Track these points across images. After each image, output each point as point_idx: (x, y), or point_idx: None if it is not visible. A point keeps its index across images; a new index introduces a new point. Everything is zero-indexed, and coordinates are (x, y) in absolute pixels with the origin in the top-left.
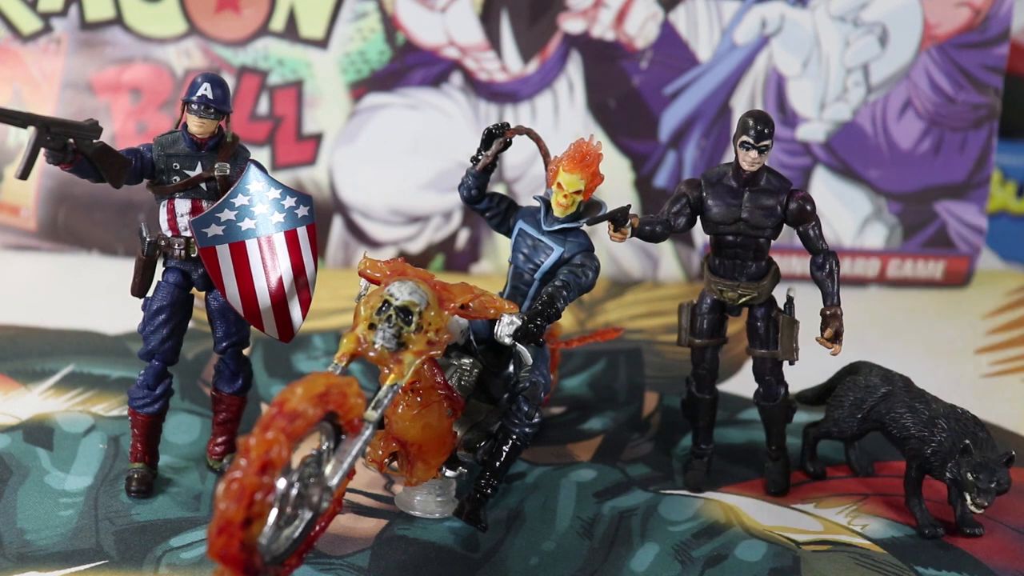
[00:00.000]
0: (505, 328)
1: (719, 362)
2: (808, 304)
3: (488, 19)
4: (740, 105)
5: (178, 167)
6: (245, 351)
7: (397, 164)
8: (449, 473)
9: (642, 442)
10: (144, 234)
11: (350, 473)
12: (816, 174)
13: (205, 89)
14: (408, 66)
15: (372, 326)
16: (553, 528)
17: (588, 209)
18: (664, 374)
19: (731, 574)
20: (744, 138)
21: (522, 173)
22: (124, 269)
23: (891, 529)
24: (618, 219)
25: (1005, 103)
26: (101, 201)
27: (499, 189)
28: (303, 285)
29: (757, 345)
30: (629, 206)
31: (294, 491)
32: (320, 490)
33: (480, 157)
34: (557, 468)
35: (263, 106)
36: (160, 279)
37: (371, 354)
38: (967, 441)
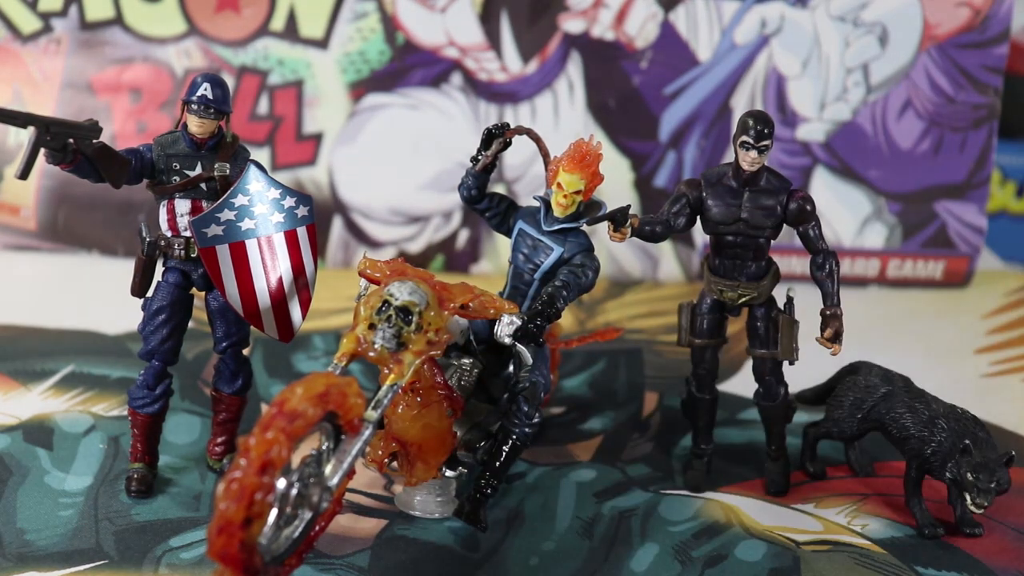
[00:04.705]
0: (505, 328)
1: (719, 362)
2: (808, 304)
3: (488, 19)
4: (740, 105)
5: (178, 167)
6: (245, 351)
7: (397, 164)
8: (449, 473)
9: (642, 442)
10: (144, 234)
11: (350, 473)
12: (816, 174)
13: (205, 89)
14: (408, 66)
15: (372, 326)
16: (553, 528)
17: (588, 209)
18: (664, 374)
19: (731, 574)
20: (744, 138)
21: (522, 173)
22: (124, 269)
23: (891, 529)
24: (618, 219)
25: (1005, 103)
26: (101, 201)
27: (499, 189)
28: (303, 285)
29: (757, 345)
30: (629, 206)
31: (294, 491)
32: (320, 490)
33: (480, 157)
34: (557, 468)
35: (263, 106)
36: (160, 279)
37: (371, 354)
38: (967, 441)
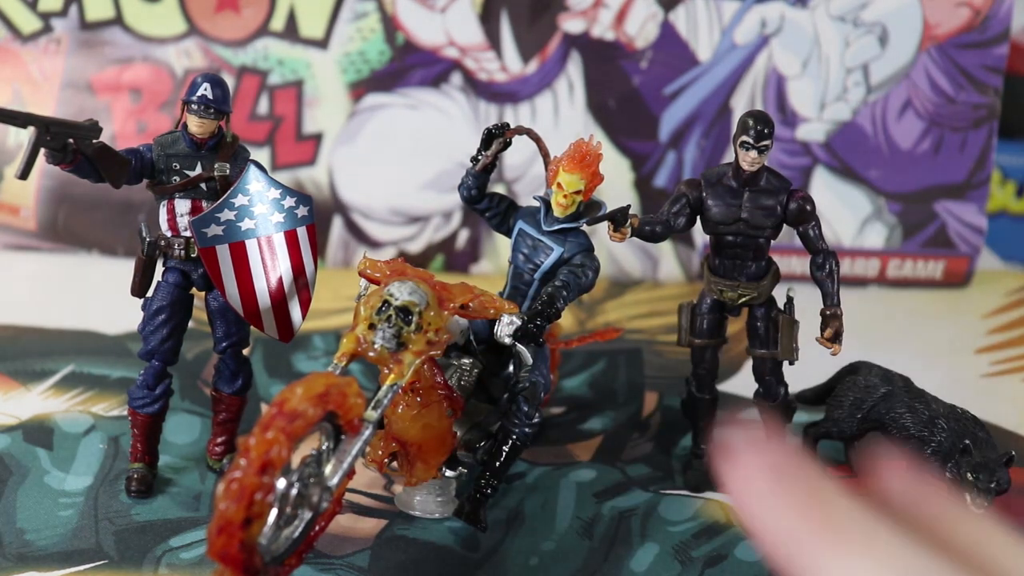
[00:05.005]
0: (505, 328)
1: (719, 362)
2: (808, 304)
3: (488, 19)
4: (740, 105)
5: (178, 167)
6: (245, 351)
7: (397, 164)
8: (449, 473)
9: (642, 442)
10: (144, 234)
11: (350, 473)
12: (816, 174)
13: (205, 89)
14: (408, 66)
15: (372, 326)
16: (553, 528)
17: (588, 209)
18: (664, 374)
19: (731, 574)
20: (744, 138)
21: (522, 173)
22: (124, 269)
23: None
24: (618, 219)
25: (1005, 103)
26: (101, 201)
27: (499, 189)
28: (303, 285)
29: (757, 345)
30: (629, 206)
31: (294, 491)
32: (320, 490)
33: (480, 157)
34: (557, 468)
35: (263, 106)
36: (160, 279)
37: (371, 354)
38: (967, 441)
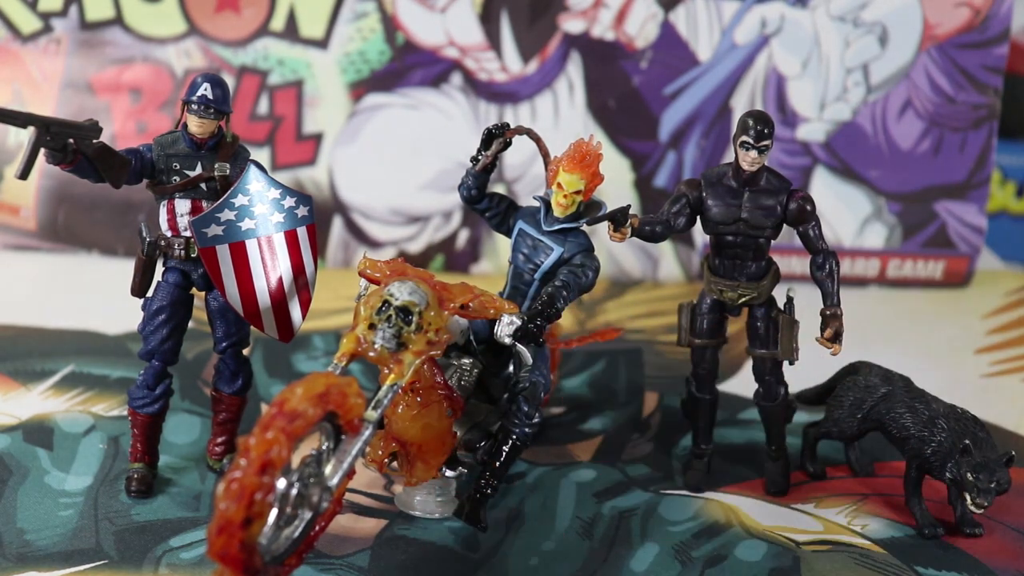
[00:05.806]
0: (505, 328)
1: (719, 362)
2: (808, 304)
3: (488, 19)
4: (740, 105)
5: (178, 167)
6: (245, 351)
7: (397, 164)
8: (449, 473)
9: (642, 442)
10: (144, 234)
11: (350, 473)
12: (816, 174)
13: (205, 89)
14: (408, 66)
15: (372, 326)
16: (553, 528)
17: (588, 209)
18: (664, 374)
19: (731, 574)
20: (744, 138)
21: (522, 173)
22: (124, 269)
23: (891, 529)
24: (618, 219)
25: (1005, 103)
26: (101, 201)
27: (499, 189)
28: (303, 285)
29: (757, 345)
30: (629, 206)
31: (294, 491)
32: (320, 490)
33: (480, 157)
34: (557, 468)
35: (263, 106)
36: (160, 279)
37: (371, 354)
38: (967, 441)
